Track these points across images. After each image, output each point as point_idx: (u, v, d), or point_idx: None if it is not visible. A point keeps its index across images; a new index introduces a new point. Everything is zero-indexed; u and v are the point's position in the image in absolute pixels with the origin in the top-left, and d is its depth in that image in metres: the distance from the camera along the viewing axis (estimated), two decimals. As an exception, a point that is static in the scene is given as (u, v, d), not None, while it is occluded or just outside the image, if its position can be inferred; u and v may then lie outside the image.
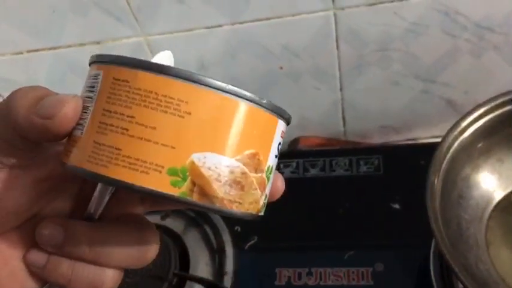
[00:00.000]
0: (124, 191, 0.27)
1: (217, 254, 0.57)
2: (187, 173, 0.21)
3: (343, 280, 0.53)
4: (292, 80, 0.64)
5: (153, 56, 0.28)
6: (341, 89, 0.65)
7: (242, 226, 0.59)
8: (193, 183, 0.21)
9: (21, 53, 0.62)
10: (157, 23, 0.58)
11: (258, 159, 0.23)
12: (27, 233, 0.25)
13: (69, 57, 0.62)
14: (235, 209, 0.23)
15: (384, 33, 0.58)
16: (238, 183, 0.22)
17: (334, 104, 0.67)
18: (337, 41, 0.59)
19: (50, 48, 0.62)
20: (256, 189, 0.23)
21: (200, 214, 0.61)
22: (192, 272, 0.56)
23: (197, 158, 0.21)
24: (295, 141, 0.71)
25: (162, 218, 0.61)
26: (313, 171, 0.63)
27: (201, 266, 0.57)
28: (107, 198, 0.25)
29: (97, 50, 0.61)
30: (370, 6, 0.56)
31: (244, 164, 0.22)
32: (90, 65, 0.24)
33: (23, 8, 0.58)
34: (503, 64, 0.61)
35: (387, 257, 0.54)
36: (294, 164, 0.64)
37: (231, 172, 0.22)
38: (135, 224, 0.26)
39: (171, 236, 0.59)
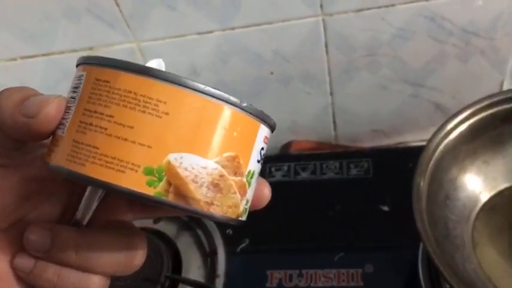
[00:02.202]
0: (113, 197, 0.27)
1: (209, 257, 0.58)
2: (163, 173, 0.21)
3: (334, 281, 0.54)
4: (283, 84, 0.65)
5: (145, 63, 0.28)
6: (331, 94, 0.66)
7: (234, 229, 0.60)
8: (169, 184, 0.21)
9: (15, 59, 0.63)
10: (149, 29, 0.59)
11: (238, 162, 0.23)
12: (15, 236, 0.25)
13: (62, 64, 0.63)
14: (213, 211, 0.22)
15: (372, 39, 0.60)
16: (216, 186, 0.22)
17: (324, 109, 0.68)
18: (326, 46, 0.60)
19: (43, 55, 0.62)
20: (235, 192, 0.23)
21: (192, 218, 0.62)
22: (184, 275, 0.57)
23: (174, 158, 0.21)
24: (286, 146, 0.71)
25: (155, 222, 0.61)
26: (304, 175, 0.64)
27: (193, 269, 0.58)
28: (95, 204, 0.26)
29: (90, 56, 0.62)
30: (357, 12, 0.57)
31: (222, 167, 0.22)
32: (77, 66, 0.24)
33: (16, 14, 0.59)
34: (489, 68, 0.62)
35: (377, 258, 0.55)
36: (285, 168, 0.65)
37: (208, 174, 0.22)
38: (123, 230, 0.26)
39: (163, 239, 0.60)
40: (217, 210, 0.23)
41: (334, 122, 0.70)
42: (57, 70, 0.63)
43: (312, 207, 0.61)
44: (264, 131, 0.24)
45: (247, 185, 0.24)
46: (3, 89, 0.24)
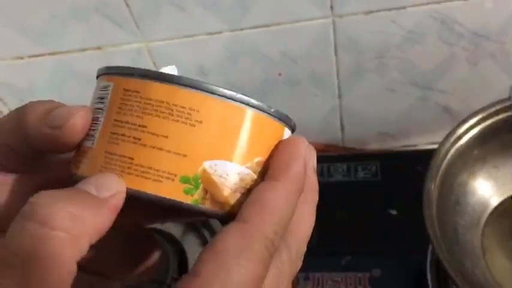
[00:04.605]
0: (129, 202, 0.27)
1: (215, 259, 0.57)
2: (200, 181, 0.22)
3: (341, 285, 0.54)
4: (291, 86, 0.65)
5: (154, 64, 0.28)
6: (339, 96, 0.66)
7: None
8: (205, 191, 0.22)
9: (22, 57, 0.63)
10: (158, 29, 0.59)
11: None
12: None
13: (70, 63, 0.63)
14: None
15: (382, 41, 0.59)
16: (249, 191, 0.23)
17: (332, 111, 0.68)
18: (335, 48, 0.60)
19: (51, 54, 0.62)
20: None
21: (199, 219, 0.61)
22: (190, 276, 0.56)
23: (208, 165, 0.22)
24: (293, 147, 0.71)
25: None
26: (311, 177, 0.64)
27: (199, 270, 0.57)
28: None
29: (98, 56, 0.61)
30: (368, 14, 0.56)
31: (254, 172, 0.23)
32: (98, 77, 0.24)
33: (24, 13, 0.59)
34: (499, 72, 0.62)
35: (384, 262, 0.54)
36: (292, 170, 0.65)
37: (242, 179, 0.23)
38: (135, 236, 0.26)
39: (169, 240, 0.59)
40: None
41: (342, 125, 0.70)
42: (64, 69, 0.63)
43: (318, 210, 0.60)
44: (287, 133, 0.25)
45: None
46: (28, 101, 0.24)
